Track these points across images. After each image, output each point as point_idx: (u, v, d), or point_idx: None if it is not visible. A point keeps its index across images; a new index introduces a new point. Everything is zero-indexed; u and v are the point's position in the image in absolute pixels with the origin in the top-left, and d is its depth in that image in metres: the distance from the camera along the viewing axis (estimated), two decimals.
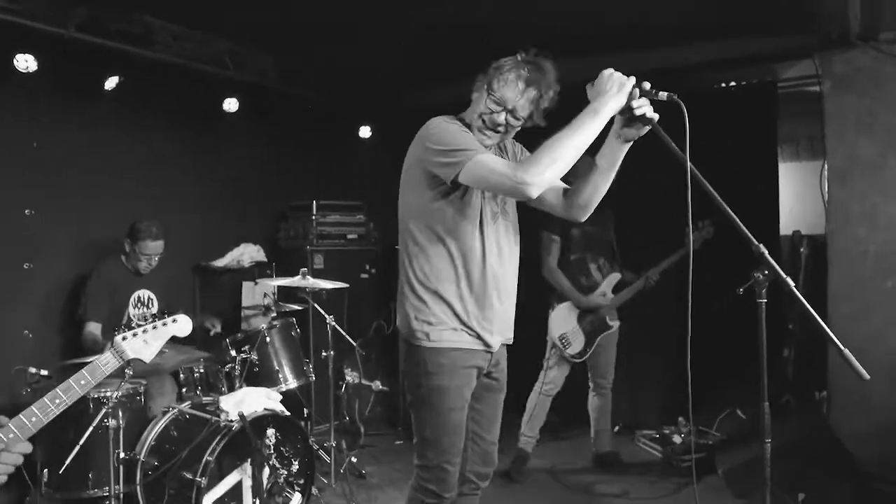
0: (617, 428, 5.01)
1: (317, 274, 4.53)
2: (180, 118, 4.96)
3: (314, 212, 5.33)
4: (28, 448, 1.62)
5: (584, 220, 2.41)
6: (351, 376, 5.08)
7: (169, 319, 1.91)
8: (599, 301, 4.27)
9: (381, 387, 5.06)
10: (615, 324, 4.36)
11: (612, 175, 2.23)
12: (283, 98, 5.29)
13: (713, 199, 1.90)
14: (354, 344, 4.46)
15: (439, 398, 2.30)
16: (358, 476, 4.28)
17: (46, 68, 3.95)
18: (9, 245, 4.07)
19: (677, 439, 4.56)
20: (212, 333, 4.35)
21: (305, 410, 4.55)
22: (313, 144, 5.71)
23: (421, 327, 2.30)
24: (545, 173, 2.03)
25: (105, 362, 1.76)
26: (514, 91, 2.24)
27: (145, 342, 1.85)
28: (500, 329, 2.41)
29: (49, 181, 4.24)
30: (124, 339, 1.82)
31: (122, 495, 3.22)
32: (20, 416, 1.60)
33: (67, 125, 4.34)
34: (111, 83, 4.33)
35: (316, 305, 4.30)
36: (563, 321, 4.27)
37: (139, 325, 1.88)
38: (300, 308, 4.30)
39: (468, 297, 2.30)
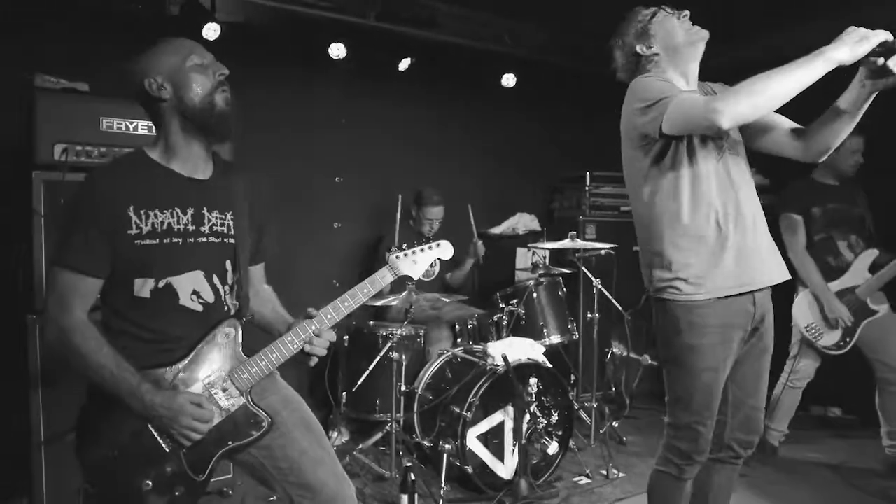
0: None
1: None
2: (464, 94, 5.36)
3: (588, 183, 5.40)
4: (333, 336, 1.96)
5: (819, 162, 2.25)
6: (618, 347, 5.07)
7: (434, 244, 2.14)
8: (828, 296, 3.75)
9: (650, 361, 4.96)
10: (881, 308, 3.73)
11: (853, 123, 2.06)
12: (558, 71, 5.41)
13: None
14: (623, 312, 4.44)
15: (691, 357, 2.20)
16: (618, 442, 4.28)
17: (352, 54, 4.58)
18: (322, 207, 4.82)
19: None
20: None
21: (573, 377, 4.67)
22: (588, 116, 5.76)
23: (672, 283, 2.22)
24: (740, 104, 1.90)
25: (382, 275, 2.04)
26: (674, 24, 2.22)
27: (414, 262, 2.09)
28: (758, 269, 2.23)
29: (353, 153, 4.92)
30: (397, 257, 2.08)
31: (401, 421, 3.64)
32: (320, 313, 1.94)
33: (369, 104, 4.98)
34: (404, 65, 4.87)
35: (584, 270, 4.38)
36: (809, 308, 3.82)
37: (409, 248, 2.13)
38: (569, 272, 4.41)
39: (713, 249, 2.17)
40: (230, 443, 1.84)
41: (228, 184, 1.97)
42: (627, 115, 2.25)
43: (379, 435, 3.84)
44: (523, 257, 5.25)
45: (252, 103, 1.91)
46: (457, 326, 4.23)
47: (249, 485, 3.48)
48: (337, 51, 4.55)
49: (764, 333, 2.31)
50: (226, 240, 1.92)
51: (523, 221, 5.51)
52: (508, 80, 5.24)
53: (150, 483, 1.76)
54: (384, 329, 3.86)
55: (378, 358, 3.72)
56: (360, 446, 3.79)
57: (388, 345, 3.67)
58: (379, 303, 3.68)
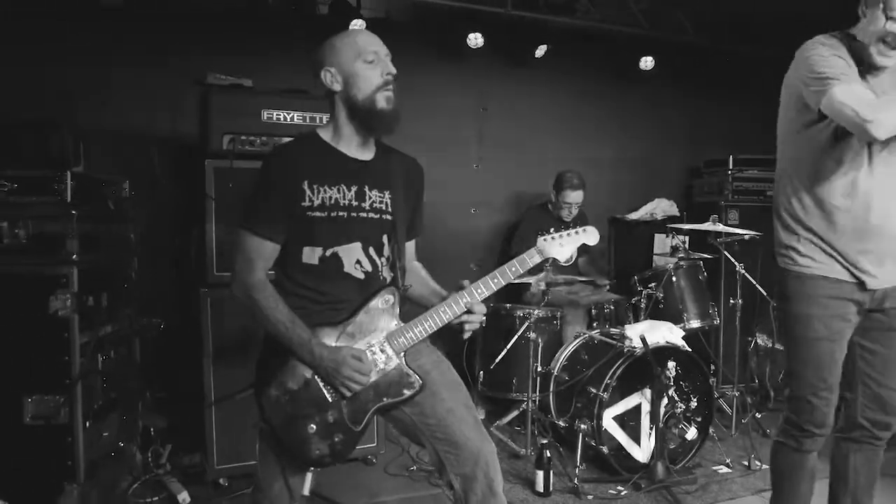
0: None
1: None
2: (600, 79, 5.34)
3: (730, 167, 5.20)
4: (484, 309, 2.09)
5: None
6: (762, 338, 4.87)
7: (580, 229, 2.20)
8: None
9: None
10: None
11: None
12: (697, 52, 5.25)
13: None
14: (768, 298, 4.25)
15: (800, 327, 2.21)
16: (762, 434, 4.12)
17: (489, 43, 4.68)
18: (461, 193, 4.97)
19: None
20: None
21: (712, 367, 4.54)
22: (730, 97, 5.54)
23: (787, 253, 2.25)
24: None
25: (530, 256, 2.13)
26: (880, 20, 2.03)
27: (561, 245, 2.16)
28: (886, 266, 2.18)
29: (492, 140, 5.03)
30: (545, 240, 2.17)
31: (537, 401, 3.72)
32: (470, 287, 2.06)
33: (506, 91, 5.07)
34: (540, 51, 4.90)
35: (726, 254, 4.25)
36: None
37: (556, 232, 2.19)
38: (710, 257, 4.29)
39: (843, 230, 2.15)
40: (385, 399, 2.01)
41: (388, 165, 2.15)
42: (794, 73, 2.19)
43: (515, 413, 3.93)
44: (661, 243, 5.15)
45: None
46: (593, 310, 4.24)
47: (392, 454, 3.69)
48: (475, 40, 4.66)
49: (891, 311, 2.23)
50: (384, 216, 2.10)
51: (661, 207, 5.40)
52: (647, 62, 5.15)
53: (315, 427, 1.96)
54: (521, 310, 3.94)
55: (515, 338, 3.82)
56: (496, 424, 3.90)
57: (526, 325, 3.75)
58: (517, 280, 3.75)
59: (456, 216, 4.95)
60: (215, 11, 4.06)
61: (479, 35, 4.65)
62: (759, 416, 4.22)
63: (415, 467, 3.54)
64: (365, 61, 2.00)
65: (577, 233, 2.17)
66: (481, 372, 4.07)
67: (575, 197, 4.52)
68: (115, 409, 3.17)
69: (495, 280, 2.06)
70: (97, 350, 2.93)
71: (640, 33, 4.97)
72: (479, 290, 2.04)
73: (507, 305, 4.14)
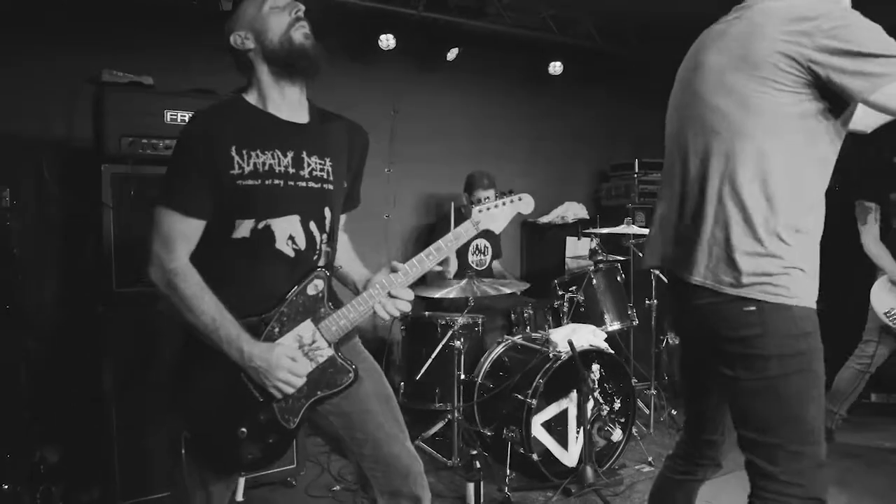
0: None
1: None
2: (511, 82, 5.36)
3: (636, 170, 5.34)
4: (411, 295, 1.91)
5: None
6: (671, 337, 5.00)
7: (516, 197, 2.03)
8: None
9: None
10: None
11: None
12: (605, 57, 5.36)
13: None
14: None
15: (820, 366, 1.70)
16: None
17: (402, 45, 4.58)
18: (373, 198, 4.80)
19: None
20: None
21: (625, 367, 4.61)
22: (637, 102, 5.69)
23: (777, 279, 1.66)
24: None
25: (466, 229, 1.97)
26: None
27: (495, 216, 2.00)
28: None
29: (403, 143, 4.90)
30: (480, 210, 2.00)
31: (462, 410, 3.63)
32: (405, 265, 1.89)
33: (418, 94, 4.98)
34: (452, 54, 4.85)
35: (640, 254, 4.32)
36: (888, 293, 3.74)
37: (491, 201, 2.03)
38: (623, 259, 4.36)
39: (815, 243, 1.73)
40: (319, 392, 1.85)
41: (326, 130, 1.96)
42: (790, 40, 1.59)
43: (440, 425, 3.81)
44: (573, 245, 5.20)
45: None
46: (512, 315, 4.21)
47: (313, 474, 3.51)
48: (387, 41, 4.55)
49: None
50: (325, 185, 1.90)
51: (572, 210, 5.47)
52: (555, 67, 5.20)
53: (246, 431, 1.79)
54: (443, 318, 3.84)
55: (440, 346, 3.70)
56: (420, 436, 3.78)
57: (450, 333, 3.65)
58: (438, 295, 3.68)
59: (368, 220, 4.79)
60: (113, 5, 3.74)
61: (391, 36, 4.54)
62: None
63: (338, 487, 3.37)
64: (272, 7, 1.83)
65: (511, 201, 2.01)
66: (402, 383, 3.94)
67: (487, 196, 4.48)
68: None
69: (430, 256, 1.90)
70: None
71: (549, 38, 5.01)
72: (414, 269, 1.89)
73: (426, 313, 4.02)
